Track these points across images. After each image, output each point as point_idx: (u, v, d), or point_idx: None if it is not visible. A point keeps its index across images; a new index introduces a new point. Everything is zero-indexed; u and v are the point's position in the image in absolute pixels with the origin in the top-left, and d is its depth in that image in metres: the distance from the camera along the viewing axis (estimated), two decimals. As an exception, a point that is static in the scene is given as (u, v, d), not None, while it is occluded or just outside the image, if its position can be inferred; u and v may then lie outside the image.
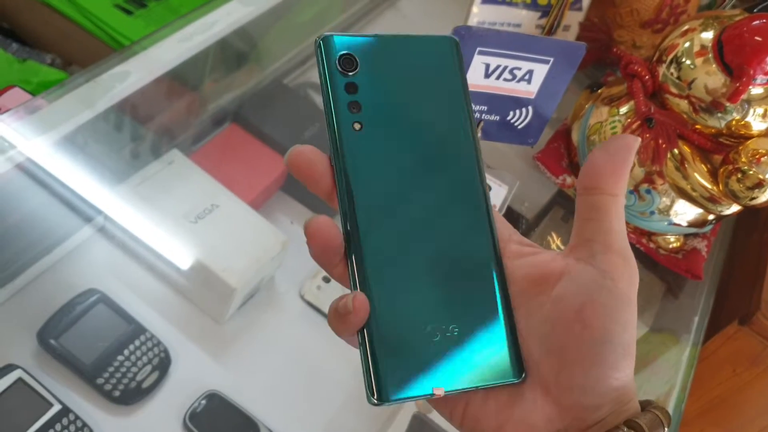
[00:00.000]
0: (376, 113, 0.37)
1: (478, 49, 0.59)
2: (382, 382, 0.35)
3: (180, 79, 0.90)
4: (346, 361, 0.87)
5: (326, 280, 0.92)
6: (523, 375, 0.37)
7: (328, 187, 0.37)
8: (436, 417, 0.83)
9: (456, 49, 0.38)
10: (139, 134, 0.89)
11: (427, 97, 0.38)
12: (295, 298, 0.91)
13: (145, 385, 0.76)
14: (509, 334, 0.37)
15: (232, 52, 1.06)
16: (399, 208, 0.37)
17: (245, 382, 0.82)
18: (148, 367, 0.77)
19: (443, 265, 0.37)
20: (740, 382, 0.93)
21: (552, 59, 0.61)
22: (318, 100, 1.09)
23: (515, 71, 0.61)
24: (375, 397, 0.35)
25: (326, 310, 0.91)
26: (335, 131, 0.36)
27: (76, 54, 1.13)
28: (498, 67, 0.61)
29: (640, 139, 0.37)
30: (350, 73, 0.37)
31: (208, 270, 0.81)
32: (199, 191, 0.86)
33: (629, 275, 0.35)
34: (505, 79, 0.61)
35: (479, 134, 0.68)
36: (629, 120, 0.82)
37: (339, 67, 0.36)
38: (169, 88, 0.89)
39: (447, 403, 0.38)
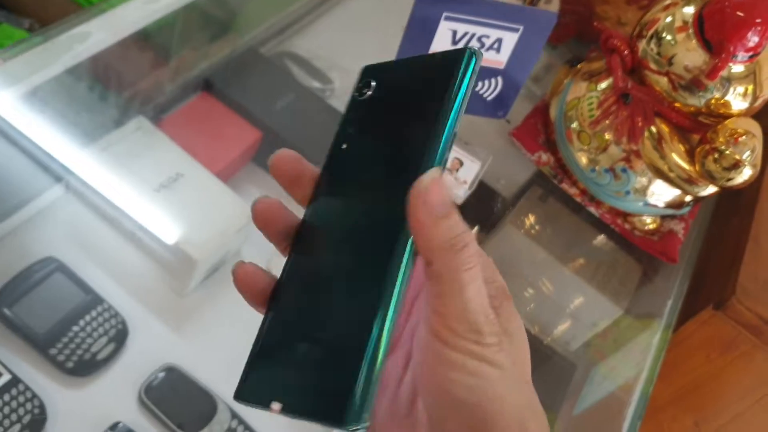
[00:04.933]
0: (361, 136, 0.38)
1: (445, 14, 0.57)
2: (244, 385, 0.36)
3: (147, 44, 0.87)
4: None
5: (295, 254, 0.90)
6: (363, 423, 0.33)
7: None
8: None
9: (462, 59, 0.36)
10: (103, 99, 0.86)
11: (404, 119, 0.37)
12: (262, 272, 0.88)
13: (100, 356, 0.74)
14: (366, 376, 0.33)
15: (206, 19, 1.03)
16: (334, 227, 0.37)
17: (205, 357, 0.79)
18: (104, 339, 0.75)
19: (339, 285, 0.36)
20: (714, 368, 0.91)
21: (521, 28, 0.59)
22: (293, 71, 1.07)
23: (484, 39, 0.59)
24: (235, 394, 0.36)
25: (294, 285, 0.89)
26: (331, 149, 0.38)
27: (54, 19, 1.10)
28: (465, 34, 0.59)
29: (433, 175, 0.33)
30: (362, 97, 0.38)
31: (171, 241, 0.78)
32: (164, 160, 0.84)
33: (519, 347, 0.35)
34: (473, 47, 0.59)
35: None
36: (605, 95, 0.79)
37: (356, 92, 0.38)
38: (136, 52, 0.86)
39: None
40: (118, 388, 0.74)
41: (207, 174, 0.85)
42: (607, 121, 0.79)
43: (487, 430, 0.31)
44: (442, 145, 0.35)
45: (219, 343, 0.82)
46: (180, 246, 0.78)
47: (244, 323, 0.85)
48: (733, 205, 1.00)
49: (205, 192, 0.83)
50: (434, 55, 0.37)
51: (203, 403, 0.76)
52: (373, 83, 0.38)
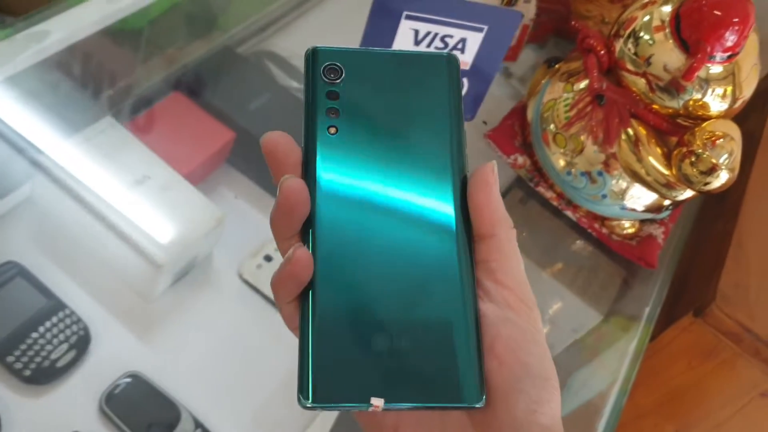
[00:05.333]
0: (353, 120, 0.37)
1: (405, 13, 0.55)
2: (316, 383, 0.32)
3: (117, 42, 0.86)
4: (283, 346, 0.83)
5: (267, 259, 0.88)
6: (484, 399, 0.33)
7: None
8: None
9: (450, 65, 0.39)
10: (70, 99, 0.84)
11: (408, 109, 0.38)
12: (233, 277, 0.86)
13: (60, 364, 0.72)
14: (474, 351, 0.34)
15: (185, 18, 1.01)
16: (363, 207, 0.36)
17: (171, 365, 0.77)
18: (65, 346, 0.73)
19: (407, 268, 0.35)
20: (695, 375, 0.89)
21: (486, 27, 0.56)
22: (272, 70, 1.05)
23: (447, 39, 0.57)
24: (308, 399, 0.32)
25: (266, 290, 0.87)
26: (310, 133, 0.37)
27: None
28: (428, 33, 0.56)
29: (494, 166, 0.37)
30: (334, 82, 0.37)
31: (135, 245, 0.76)
32: (131, 161, 0.82)
33: (527, 308, 0.35)
34: (436, 48, 0.57)
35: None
36: (578, 97, 0.77)
37: (323, 77, 0.37)
38: (105, 51, 0.84)
39: (374, 424, 0.35)
40: (78, 397, 0.72)
41: (176, 176, 0.83)
42: (581, 124, 0.77)
43: (550, 391, 0.33)
44: (462, 140, 0.38)
45: (186, 350, 0.80)
46: (145, 250, 0.76)
47: (213, 330, 0.84)
48: (718, 209, 0.98)
49: (172, 195, 0.81)
50: (413, 54, 0.39)
51: (166, 412, 0.74)
52: (342, 69, 0.38)
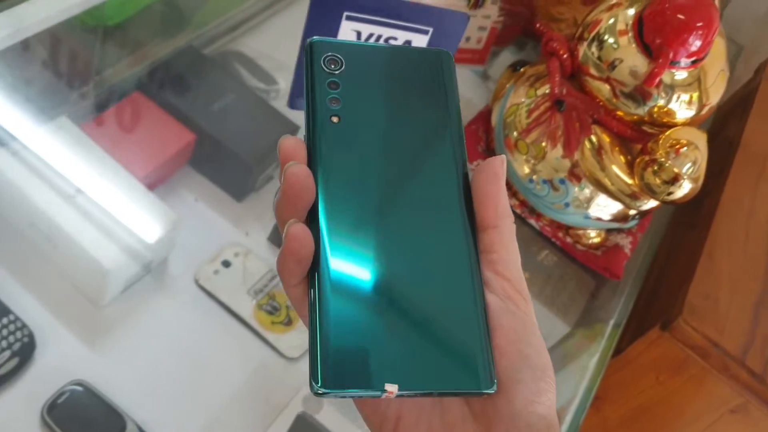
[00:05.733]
0: (355, 109, 0.37)
1: (346, 14, 0.52)
2: (329, 368, 0.32)
3: (72, 41, 0.83)
4: (238, 354, 0.81)
5: (225, 264, 0.86)
6: (495, 385, 0.33)
7: None
8: (321, 417, 0.77)
9: (447, 61, 0.40)
10: (27, 99, 0.82)
11: (408, 100, 0.38)
12: (189, 282, 0.84)
13: (1, 372, 0.70)
14: (484, 337, 0.34)
15: (147, 16, 0.99)
16: (369, 194, 0.36)
17: (120, 374, 0.75)
18: (7, 353, 0.71)
19: (416, 254, 0.35)
20: (664, 390, 0.86)
21: (431, 29, 0.54)
22: (238, 71, 1.03)
23: (391, 41, 0.54)
24: (320, 384, 0.31)
25: (222, 296, 0.84)
26: (313, 122, 0.37)
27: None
28: (371, 35, 0.54)
29: (504, 160, 0.37)
30: (335, 72, 0.38)
31: (82, 249, 0.74)
32: (84, 163, 0.80)
33: (524, 301, 0.35)
34: (380, 50, 0.54)
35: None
36: (536, 103, 0.74)
37: (324, 67, 0.38)
38: (59, 50, 0.82)
39: (378, 414, 0.36)
40: (19, 407, 0.70)
41: (129, 178, 0.80)
42: (540, 130, 0.74)
43: (548, 381, 0.34)
44: (462, 132, 0.39)
45: (136, 358, 0.77)
46: (92, 254, 0.74)
47: (165, 337, 0.81)
48: (693, 217, 0.95)
49: (124, 198, 0.79)
50: (408, 48, 0.41)
51: (111, 423, 0.71)
52: (342, 60, 0.38)
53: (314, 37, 0.38)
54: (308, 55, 0.38)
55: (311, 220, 0.35)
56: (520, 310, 0.35)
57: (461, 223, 0.36)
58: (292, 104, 0.59)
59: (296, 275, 0.34)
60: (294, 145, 0.36)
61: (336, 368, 0.32)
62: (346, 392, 0.32)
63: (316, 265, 0.34)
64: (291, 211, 0.35)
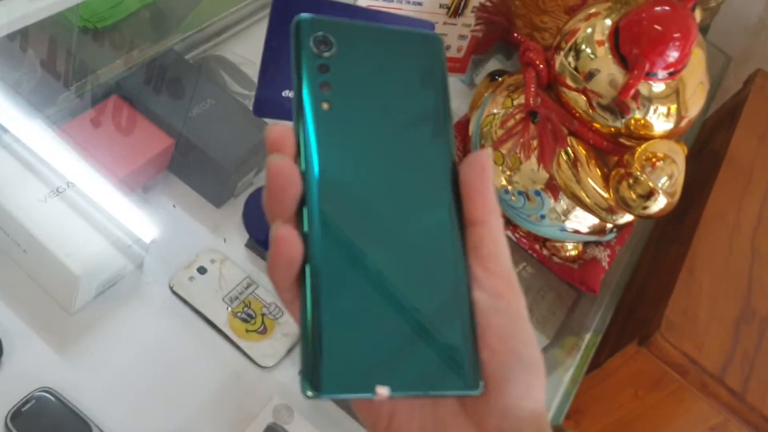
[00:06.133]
0: (346, 96, 0.36)
1: (310, 21, 0.51)
2: (321, 372, 0.32)
3: (51, 41, 0.83)
4: (211, 362, 0.80)
5: (201, 271, 0.85)
6: (481, 386, 0.34)
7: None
8: (292, 429, 0.76)
9: (438, 46, 0.38)
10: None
11: (401, 86, 0.37)
12: (163, 289, 0.83)
13: (-35, 378, 0.69)
14: (471, 338, 0.34)
15: (131, 19, 0.98)
16: (360, 188, 0.35)
17: (90, 381, 0.74)
18: (-28, 359, 0.70)
19: (405, 252, 0.35)
20: (643, 405, 0.85)
21: (396, 38, 0.53)
22: (220, 76, 1.02)
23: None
24: (310, 388, 0.31)
25: (197, 303, 0.83)
26: (302, 109, 0.35)
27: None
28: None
29: (490, 152, 0.37)
30: (324, 55, 0.36)
31: (52, 254, 0.73)
32: (56, 167, 0.79)
33: (515, 296, 0.36)
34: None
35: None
36: (508, 113, 0.73)
37: (313, 48, 0.36)
38: (32, 51, 0.81)
39: (371, 412, 0.36)
40: (-18, 413, 0.69)
41: (103, 184, 0.79)
42: (512, 141, 0.73)
43: (538, 375, 0.35)
44: (451, 122, 0.38)
45: (107, 365, 0.76)
46: (61, 259, 0.73)
47: (137, 345, 0.80)
48: (675, 230, 0.94)
49: (97, 203, 0.78)
50: (399, 30, 0.38)
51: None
52: (333, 41, 0.36)
53: (302, 15, 0.36)
54: (295, 35, 0.36)
55: (299, 215, 0.34)
56: (511, 307, 0.35)
57: (450, 220, 0.36)
58: (257, 111, 0.58)
59: (287, 278, 0.33)
60: (281, 134, 0.35)
61: (328, 371, 0.32)
62: (338, 395, 0.32)
63: (305, 267, 0.33)
64: (277, 206, 0.34)
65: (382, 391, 0.32)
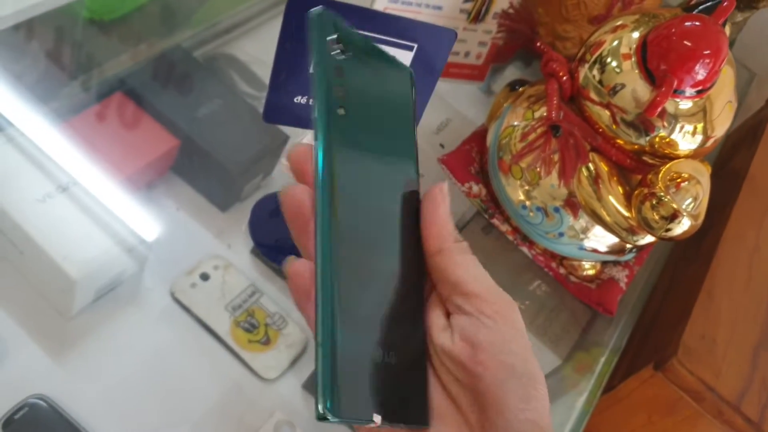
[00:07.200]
0: (354, 105, 0.37)
1: (326, 25, 0.49)
2: (332, 394, 0.34)
3: (52, 35, 0.80)
4: (211, 372, 0.77)
5: (204, 277, 0.82)
6: (426, 422, 0.36)
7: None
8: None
9: (413, 80, 0.40)
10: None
11: (379, 110, 0.38)
12: (164, 295, 0.80)
13: (-43, 384, 0.66)
14: (422, 375, 0.37)
15: (138, 14, 0.96)
16: (351, 225, 0.36)
17: (86, 389, 0.72)
18: (-35, 364, 0.67)
19: (382, 284, 0.37)
20: (656, 430, 0.82)
21: (416, 45, 0.50)
22: (229, 75, 0.99)
23: (374, 57, 0.51)
24: (326, 411, 0.33)
25: (198, 311, 0.81)
26: (322, 112, 0.36)
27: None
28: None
29: (444, 186, 0.38)
30: (339, 58, 0.37)
31: (48, 257, 0.71)
32: (56, 167, 0.76)
33: (502, 312, 0.36)
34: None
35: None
36: (530, 126, 0.70)
37: (330, 49, 0.37)
38: (36, 44, 0.79)
39: None
40: (-27, 422, 0.66)
41: (105, 183, 0.77)
42: (533, 155, 0.70)
43: (537, 387, 0.35)
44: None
45: (104, 373, 0.74)
46: (58, 263, 0.70)
47: (136, 352, 0.77)
48: (694, 251, 0.91)
49: (97, 205, 0.75)
50: (391, 58, 0.40)
51: (69, 442, 0.68)
52: (345, 46, 0.37)
53: (319, 8, 0.36)
54: (314, 29, 0.37)
55: (317, 224, 0.36)
56: (496, 323, 0.35)
57: (411, 258, 0.37)
58: (267, 117, 0.55)
59: (309, 307, 0.36)
60: (300, 157, 0.36)
61: (342, 399, 0.34)
62: (345, 420, 0.34)
63: (317, 297, 0.35)
64: (295, 229, 0.37)
65: (377, 419, 0.34)
